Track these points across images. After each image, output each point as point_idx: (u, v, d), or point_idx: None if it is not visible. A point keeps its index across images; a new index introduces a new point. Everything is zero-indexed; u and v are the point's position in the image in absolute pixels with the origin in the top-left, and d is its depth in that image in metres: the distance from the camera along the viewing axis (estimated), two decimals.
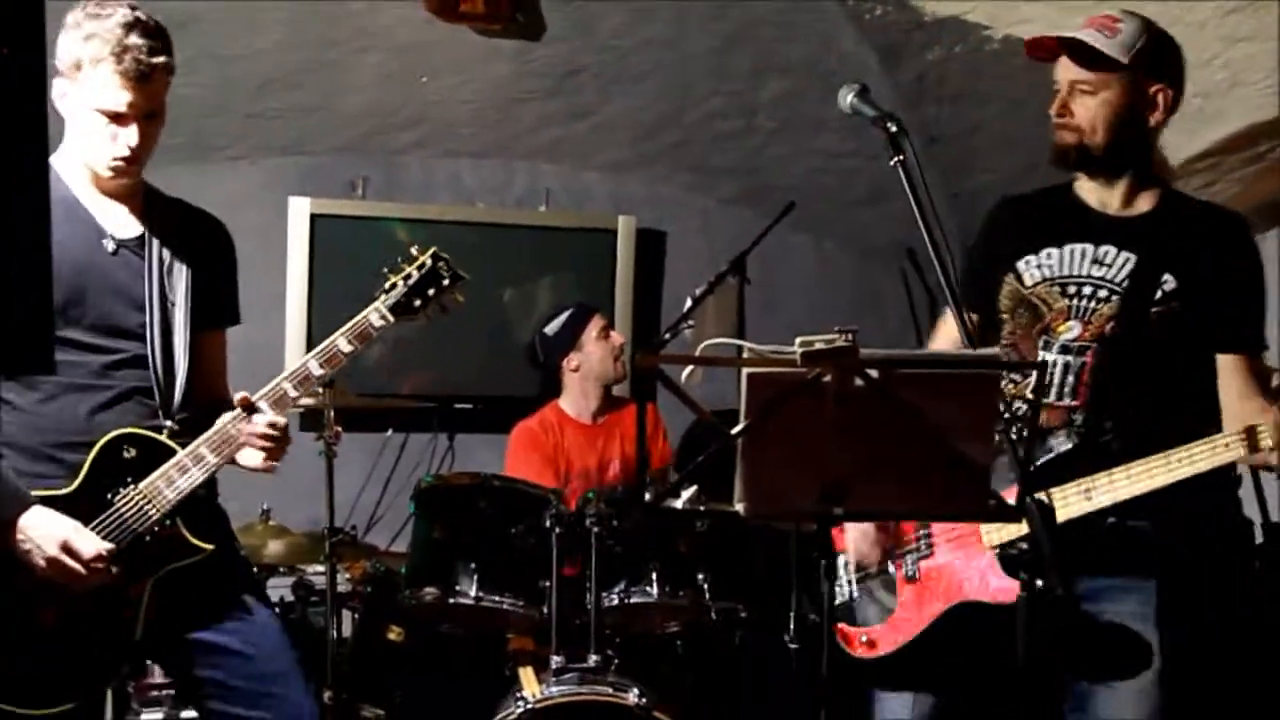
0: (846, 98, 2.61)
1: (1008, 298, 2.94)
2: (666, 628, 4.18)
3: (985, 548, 2.86)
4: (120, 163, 2.66)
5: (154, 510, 2.64)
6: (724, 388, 4.54)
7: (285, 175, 5.68)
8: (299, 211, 5.51)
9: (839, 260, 6.43)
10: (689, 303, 4.76)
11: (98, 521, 2.60)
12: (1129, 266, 2.81)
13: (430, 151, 5.90)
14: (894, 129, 2.48)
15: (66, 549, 2.52)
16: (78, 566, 2.53)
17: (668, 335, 4.74)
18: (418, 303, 2.90)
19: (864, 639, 3.03)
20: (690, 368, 2.39)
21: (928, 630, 2.95)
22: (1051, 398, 2.83)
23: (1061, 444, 2.81)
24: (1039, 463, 2.76)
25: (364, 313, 2.84)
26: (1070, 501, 2.67)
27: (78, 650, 2.60)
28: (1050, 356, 2.85)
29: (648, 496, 2.62)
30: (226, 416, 2.71)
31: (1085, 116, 2.80)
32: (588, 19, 5.03)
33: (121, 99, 2.59)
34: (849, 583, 3.12)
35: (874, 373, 2.08)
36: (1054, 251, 2.88)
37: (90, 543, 2.55)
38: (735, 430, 2.12)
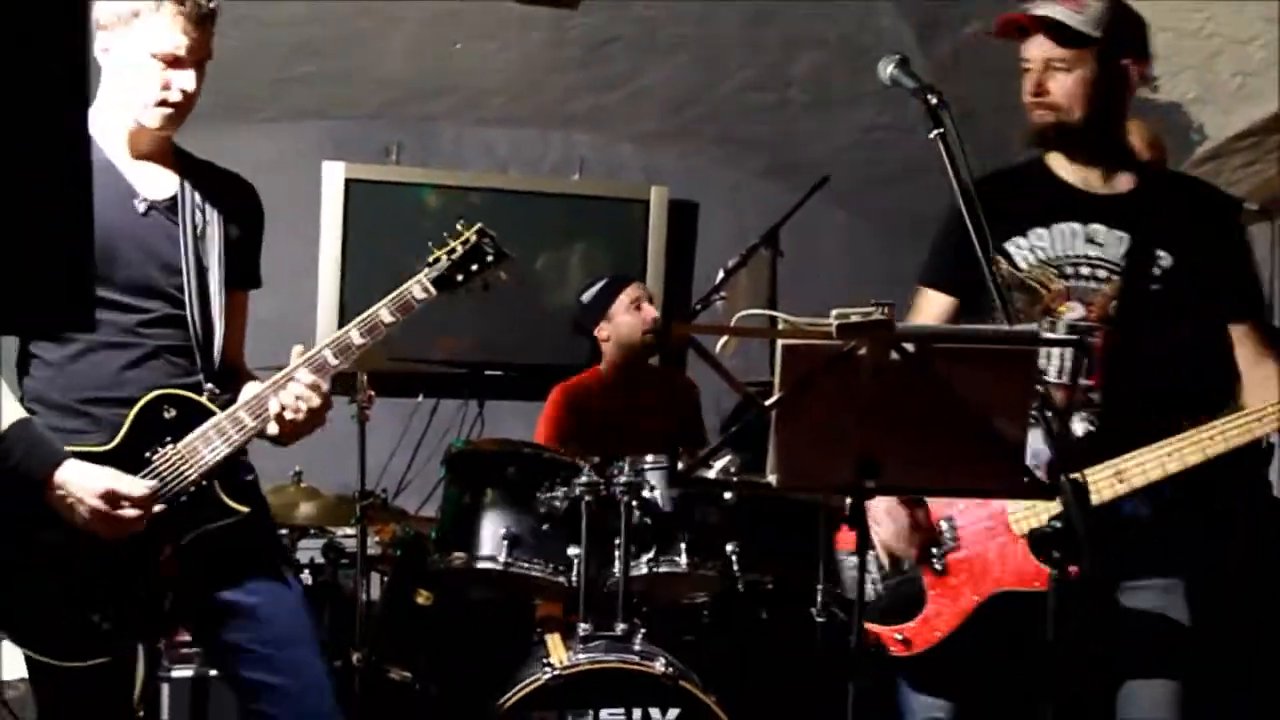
0: (887, 69, 2.60)
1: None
2: (694, 598, 4.20)
3: (1017, 535, 2.82)
4: (172, 109, 2.66)
5: (191, 470, 2.66)
6: (755, 361, 4.55)
7: (319, 140, 5.70)
8: (333, 176, 5.53)
9: (871, 235, 6.41)
10: (721, 274, 4.75)
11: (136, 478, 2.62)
12: (1124, 245, 2.79)
13: (464, 119, 5.91)
14: (934, 101, 2.46)
15: (110, 496, 2.53)
16: (123, 511, 2.54)
17: (699, 306, 4.73)
18: (460, 277, 2.90)
19: (899, 637, 2.95)
20: (723, 340, 2.40)
21: (964, 625, 2.88)
22: (1064, 379, 2.81)
23: (1083, 426, 2.80)
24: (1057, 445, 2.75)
25: (407, 284, 2.83)
26: (1102, 485, 2.63)
27: (111, 606, 2.62)
28: (1056, 337, 2.81)
29: (679, 466, 2.62)
30: (267, 382, 2.73)
31: (1061, 94, 2.77)
32: None
33: (182, 41, 2.61)
34: (874, 582, 3.03)
35: (910, 347, 2.08)
36: (1043, 232, 2.85)
37: (134, 483, 2.56)
38: (769, 402, 2.13)
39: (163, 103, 2.65)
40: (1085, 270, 2.81)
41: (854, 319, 2.07)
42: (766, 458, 2.22)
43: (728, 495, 3.84)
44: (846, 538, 3.11)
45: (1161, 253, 2.77)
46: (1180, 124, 4.71)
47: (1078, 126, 2.79)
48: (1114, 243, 2.80)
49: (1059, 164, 2.89)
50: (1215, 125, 4.70)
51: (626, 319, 4.94)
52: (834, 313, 2.08)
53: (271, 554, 2.89)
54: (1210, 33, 4.34)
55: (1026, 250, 2.86)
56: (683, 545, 3.82)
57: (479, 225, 2.96)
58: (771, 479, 2.23)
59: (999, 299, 2.39)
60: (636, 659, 3.56)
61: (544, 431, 4.80)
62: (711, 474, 3.27)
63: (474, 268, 2.92)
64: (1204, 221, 2.82)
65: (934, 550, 2.93)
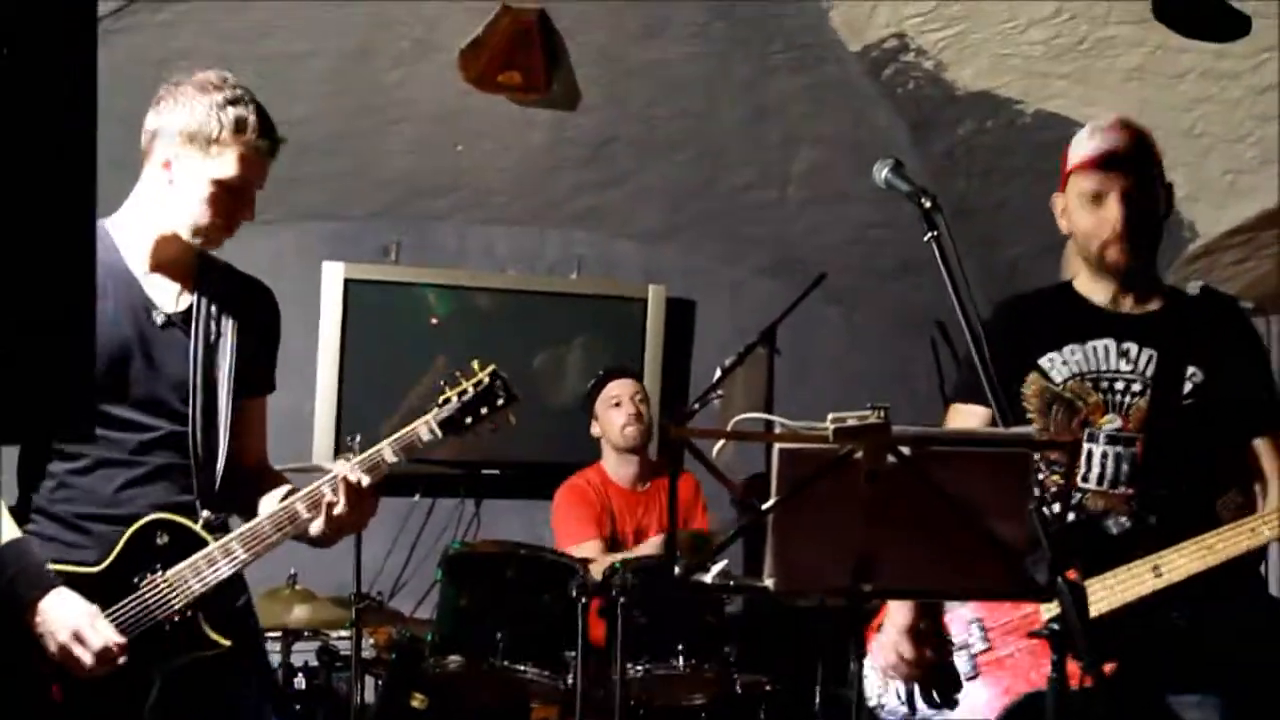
0: (881, 172, 2.61)
1: (1035, 396, 2.91)
2: (692, 699, 4.15)
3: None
4: (218, 235, 2.70)
5: (177, 600, 2.62)
6: (753, 458, 4.54)
7: (319, 240, 5.73)
8: (332, 276, 5.55)
9: (869, 332, 6.43)
10: (718, 372, 4.77)
11: (119, 605, 2.59)
12: (1153, 362, 2.83)
13: (464, 218, 5.95)
14: (928, 204, 2.48)
15: (78, 638, 2.51)
16: (85, 656, 2.51)
17: (697, 405, 4.74)
18: (469, 420, 2.84)
19: None
20: (720, 441, 2.39)
21: None
22: (1105, 486, 2.83)
23: (1120, 524, 2.81)
24: (1093, 541, 2.77)
25: (414, 425, 2.78)
26: (1143, 579, 2.66)
27: None
28: (1098, 448, 2.84)
29: (677, 570, 2.60)
30: (263, 512, 2.71)
31: (1144, 225, 2.80)
32: (622, 90, 5.09)
33: (251, 175, 2.67)
34: (899, 693, 2.99)
35: (906, 450, 2.07)
36: (1077, 348, 2.87)
37: (100, 635, 2.53)
38: (766, 506, 2.11)
39: (214, 229, 2.68)
40: (1120, 385, 2.84)
41: (850, 422, 2.06)
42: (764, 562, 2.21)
43: (728, 603, 3.82)
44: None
45: (1192, 369, 2.81)
46: (1172, 221, 4.74)
47: (1142, 254, 2.82)
48: (1144, 359, 2.84)
49: (1086, 285, 2.92)
50: (1207, 222, 4.73)
51: (606, 416, 4.96)
52: (830, 416, 2.07)
53: (257, 694, 2.85)
54: (1201, 131, 4.39)
55: (1061, 364, 2.89)
56: (680, 647, 3.78)
57: (492, 367, 2.89)
58: (769, 582, 2.22)
59: (994, 401, 2.38)
60: None
61: (563, 523, 4.80)
62: (709, 578, 3.25)
63: (483, 410, 2.85)
64: (1227, 337, 2.86)
65: (961, 653, 2.92)
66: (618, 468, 4.96)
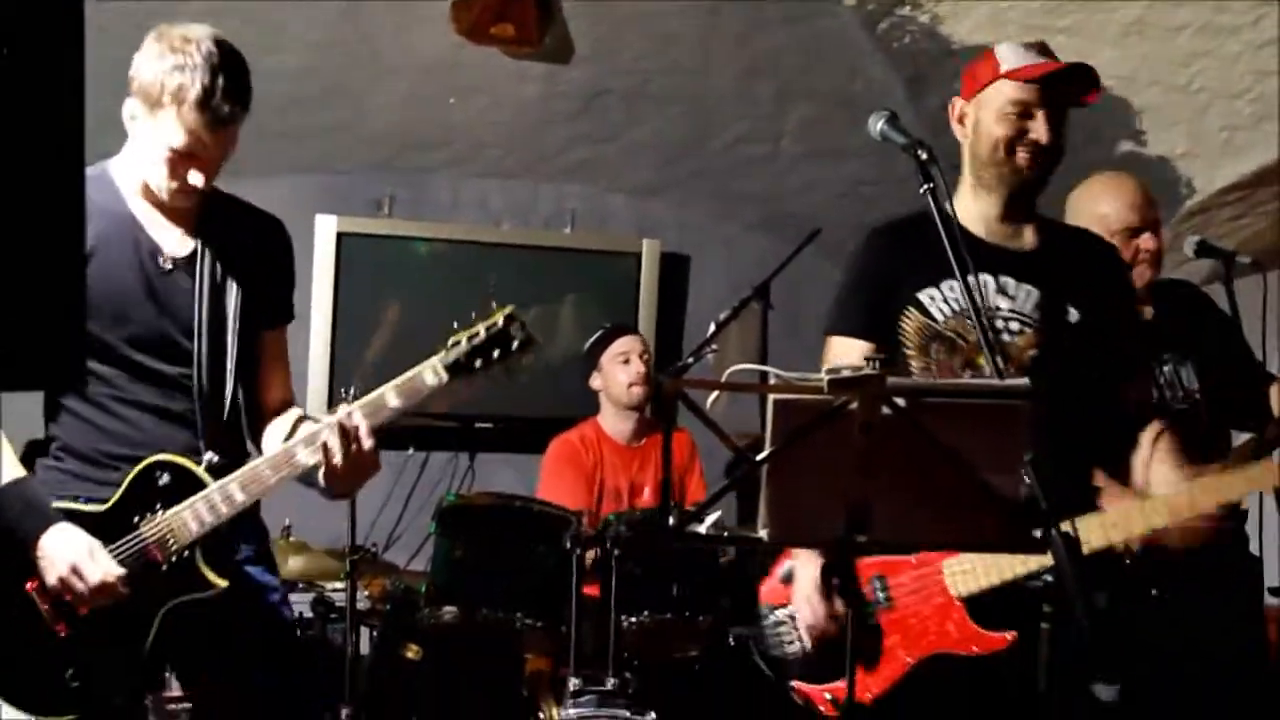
0: (876, 124, 2.60)
1: (915, 334, 2.83)
2: (685, 651, 4.17)
3: (955, 599, 2.77)
4: (183, 196, 2.67)
5: (174, 541, 2.65)
6: (747, 414, 4.54)
7: (311, 193, 5.70)
8: (325, 229, 5.53)
9: None
10: (712, 327, 4.76)
11: (120, 543, 2.62)
12: (1033, 299, 2.78)
13: (457, 171, 5.93)
14: (924, 156, 2.47)
15: (76, 571, 2.54)
16: (83, 588, 2.55)
17: (691, 360, 4.74)
18: (479, 363, 2.65)
19: (828, 697, 2.89)
20: (714, 394, 2.39)
21: (900, 687, 2.81)
22: None
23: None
24: None
25: (418, 368, 2.65)
26: (1091, 534, 2.62)
27: (87, 663, 2.62)
28: None
29: (671, 521, 2.59)
30: (267, 446, 2.72)
31: (1056, 143, 2.75)
32: (615, 43, 5.06)
33: (196, 143, 2.59)
34: (800, 639, 2.93)
35: (901, 401, 2.07)
36: (955, 284, 2.74)
37: (98, 568, 2.56)
38: (760, 457, 2.12)
39: (171, 190, 2.66)
40: (999, 323, 2.77)
41: (845, 374, 2.06)
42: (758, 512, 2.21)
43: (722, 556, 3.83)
44: (772, 591, 3.04)
45: (1070, 308, 2.78)
46: (1169, 178, 4.73)
47: (1046, 176, 2.78)
48: (1024, 296, 2.79)
49: (967, 213, 2.80)
50: (1204, 179, 4.72)
51: (612, 371, 4.95)
52: (825, 367, 2.08)
53: (262, 631, 2.86)
54: (1199, 88, 4.37)
55: (941, 302, 2.82)
56: (674, 598, 3.80)
57: (509, 309, 2.71)
58: (763, 533, 2.22)
59: (988, 353, 2.38)
60: (627, 714, 3.54)
61: (547, 484, 4.79)
62: (703, 529, 3.25)
63: (495, 354, 2.67)
64: (1103, 279, 2.85)
65: (866, 609, 2.86)
66: (615, 423, 4.96)
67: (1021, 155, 2.75)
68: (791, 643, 2.97)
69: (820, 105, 5.29)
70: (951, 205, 2.62)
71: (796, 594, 2.86)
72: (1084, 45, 4.35)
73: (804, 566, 2.83)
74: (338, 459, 2.60)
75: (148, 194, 2.72)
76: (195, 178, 2.63)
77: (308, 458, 2.63)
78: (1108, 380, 2.82)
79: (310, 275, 5.48)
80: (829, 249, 5.73)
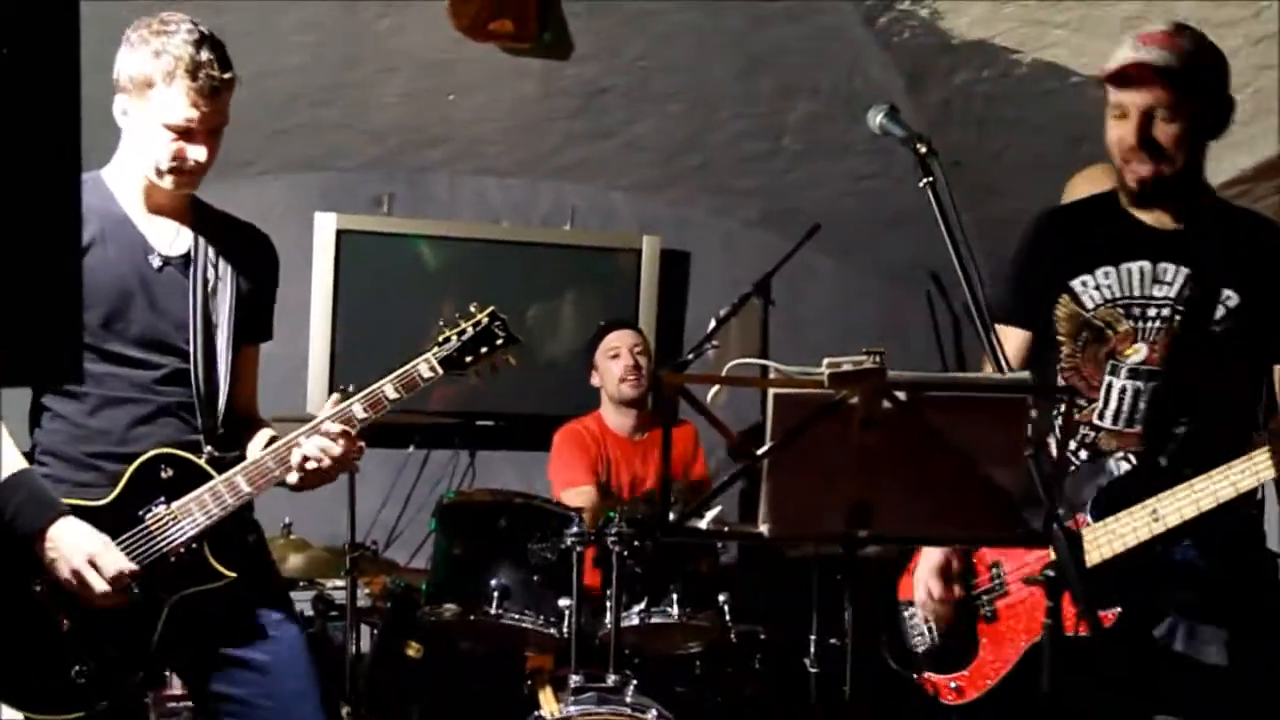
0: (876, 118, 2.60)
1: (1067, 320, 2.85)
2: (686, 648, 4.17)
3: None
4: (184, 176, 2.70)
5: (180, 533, 2.65)
6: (747, 409, 4.54)
7: (311, 191, 5.70)
8: (325, 227, 5.52)
9: (863, 283, 6.41)
10: (712, 324, 4.77)
11: (125, 537, 2.63)
12: (1182, 281, 2.75)
13: (457, 169, 5.92)
14: (923, 150, 2.46)
15: (92, 564, 2.55)
16: (99, 583, 2.55)
17: (691, 355, 4.75)
18: (469, 359, 2.90)
19: (953, 685, 2.94)
20: (714, 389, 2.38)
21: (1015, 671, 2.85)
22: (1120, 425, 2.79)
23: (1120, 467, 2.77)
24: (1101, 486, 2.74)
25: (414, 362, 2.83)
26: (1139, 525, 2.63)
27: (92, 658, 2.62)
28: (1118, 382, 2.79)
29: (671, 517, 2.59)
30: (266, 449, 2.73)
31: (1168, 142, 2.67)
32: (614, 40, 5.05)
33: (194, 115, 2.63)
34: (930, 630, 3.03)
35: (901, 396, 2.07)
36: (1110, 271, 2.79)
37: (114, 561, 2.57)
38: (761, 451, 2.11)
39: (175, 170, 2.69)
40: (1151, 311, 2.77)
41: (846, 368, 2.06)
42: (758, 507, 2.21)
43: (722, 550, 3.83)
44: (908, 586, 3.09)
45: (1228, 291, 2.73)
46: None
47: (1175, 175, 2.71)
48: (1179, 280, 2.76)
49: (1127, 200, 2.81)
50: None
51: (605, 367, 4.97)
52: (826, 361, 2.07)
53: (272, 605, 2.86)
54: None
55: (1093, 290, 2.83)
56: (675, 595, 3.79)
57: (491, 308, 2.95)
58: (763, 529, 2.22)
59: (986, 341, 2.37)
60: (628, 710, 3.54)
61: (558, 463, 4.81)
62: (703, 524, 3.25)
63: (483, 350, 2.91)
64: (1269, 259, 2.76)
65: (983, 597, 2.93)
66: (616, 418, 4.97)
67: (1125, 171, 2.74)
68: (920, 634, 3.06)
69: (820, 101, 5.28)
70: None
71: (917, 578, 2.96)
72: (1084, 41, 4.35)
73: (928, 553, 2.92)
74: (338, 449, 2.70)
75: (142, 196, 2.75)
76: (196, 152, 2.67)
77: (311, 449, 2.70)
78: (1265, 360, 2.77)
79: (310, 273, 5.48)
80: (829, 245, 5.74)
